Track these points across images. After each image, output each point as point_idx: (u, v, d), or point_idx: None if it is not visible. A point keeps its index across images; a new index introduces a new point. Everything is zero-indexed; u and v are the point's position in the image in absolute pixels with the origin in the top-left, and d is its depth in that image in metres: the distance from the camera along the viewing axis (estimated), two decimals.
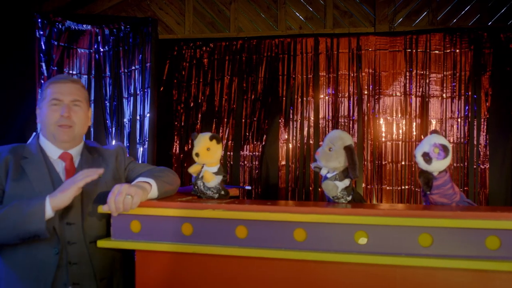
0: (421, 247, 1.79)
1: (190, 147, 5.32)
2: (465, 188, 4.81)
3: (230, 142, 5.26)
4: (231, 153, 5.25)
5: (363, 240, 1.83)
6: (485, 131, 4.83)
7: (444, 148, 2.10)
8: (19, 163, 2.21)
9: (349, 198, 2.15)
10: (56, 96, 2.30)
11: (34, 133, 2.44)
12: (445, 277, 1.79)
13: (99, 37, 4.88)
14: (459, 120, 4.90)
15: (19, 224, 2.01)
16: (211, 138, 2.22)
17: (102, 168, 2.15)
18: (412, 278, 1.82)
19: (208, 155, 2.21)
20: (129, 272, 2.36)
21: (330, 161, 2.13)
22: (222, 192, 2.24)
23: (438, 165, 2.13)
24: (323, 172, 2.21)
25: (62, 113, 2.28)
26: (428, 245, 1.78)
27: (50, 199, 2.03)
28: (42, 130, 2.35)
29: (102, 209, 2.06)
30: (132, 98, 4.88)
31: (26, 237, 2.04)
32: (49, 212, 2.02)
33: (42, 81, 4.51)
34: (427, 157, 2.12)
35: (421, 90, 4.98)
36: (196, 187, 2.25)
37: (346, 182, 2.13)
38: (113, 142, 4.76)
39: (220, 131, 5.26)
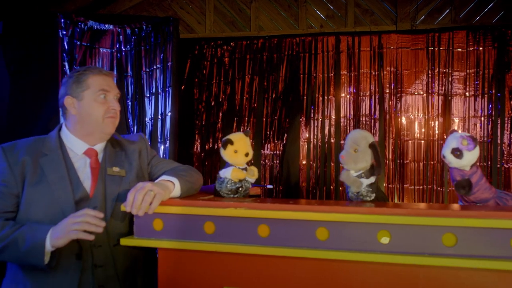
0: (445, 247, 1.77)
1: (211, 146, 5.34)
2: None
3: (251, 141, 5.26)
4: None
5: (385, 240, 1.82)
6: (509, 129, 4.76)
7: (473, 138, 2.09)
8: (38, 162, 2.19)
9: (373, 196, 2.13)
10: (105, 88, 2.28)
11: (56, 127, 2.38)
12: (470, 277, 1.77)
13: (121, 37, 4.92)
14: (482, 118, 4.84)
15: (20, 256, 2.06)
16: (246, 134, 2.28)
17: (102, 215, 2.05)
18: (436, 278, 1.80)
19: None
20: (151, 271, 2.36)
21: (358, 162, 2.10)
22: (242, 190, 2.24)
23: (470, 157, 2.11)
24: (352, 174, 2.17)
25: (113, 106, 2.29)
26: (452, 245, 1.76)
27: (50, 238, 2.03)
28: (76, 123, 2.29)
29: (124, 206, 2.07)
30: (153, 97, 4.91)
31: (26, 266, 2.13)
32: (48, 249, 2.04)
33: None
34: (457, 152, 2.10)
35: (443, 88, 4.94)
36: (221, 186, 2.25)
37: (372, 179, 2.11)
38: None
39: (241, 130, 5.26)
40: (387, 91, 5.02)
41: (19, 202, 2.16)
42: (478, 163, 2.18)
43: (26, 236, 2.05)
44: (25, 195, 2.15)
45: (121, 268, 2.26)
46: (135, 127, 4.88)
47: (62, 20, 4.60)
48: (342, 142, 5.07)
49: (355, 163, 2.11)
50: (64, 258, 2.13)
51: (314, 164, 5.16)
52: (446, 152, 2.16)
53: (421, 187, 4.94)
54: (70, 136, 2.30)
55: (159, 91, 4.88)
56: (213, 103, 5.40)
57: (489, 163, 4.79)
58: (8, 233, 2.06)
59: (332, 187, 5.10)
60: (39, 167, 2.18)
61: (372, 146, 2.10)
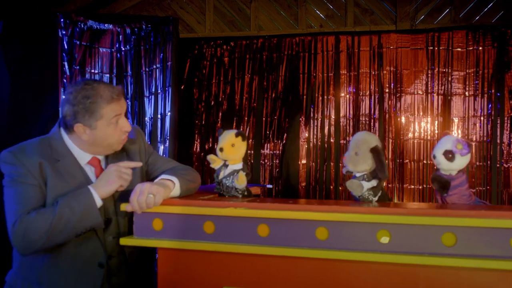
0: (444, 247, 1.77)
1: (210, 145, 5.34)
2: (488, 188, 4.75)
3: (250, 140, 5.26)
4: (252, 152, 5.25)
5: (385, 239, 1.82)
6: (508, 129, 4.76)
7: (468, 144, 2.09)
8: (55, 166, 2.16)
9: (375, 199, 2.12)
10: (118, 114, 2.21)
11: (55, 127, 2.33)
12: (469, 277, 1.78)
13: (120, 36, 4.91)
14: (482, 118, 4.84)
15: (76, 222, 2.04)
16: (236, 135, 2.21)
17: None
18: (436, 278, 1.80)
19: (232, 151, 2.20)
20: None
21: (357, 165, 2.10)
22: (246, 193, 2.24)
23: (461, 162, 2.11)
24: (354, 173, 2.17)
25: (126, 128, 2.24)
26: (452, 245, 1.77)
27: (96, 189, 2.08)
28: (86, 143, 2.22)
29: (125, 208, 2.07)
30: (153, 97, 4.91)
31: (83, 232, 2.09)
32: (99, 202, 2.08)
33: (65, 80, 4.54)
34: (449, 154, 2.10)
35: (443, 88, 4.93)
36: (220, 186, 2.25)
37: (373, 182, 2.10)
38: None
39: (241, 129, 5.25)
40: (387, 90, 5.02)
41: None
42: (464, 170, 2.18)
43: (70, 203, 2.05)
44: (49, 199, 2.12)
45: (132, 275, 2.32)
46: None
47: (62, 20, 4.59)
48: (341, 142, 5.07)
49: (354, 166, 2.11)
50: (87, 266, 2.16)
51: (313, 164, 5.16)
52: (438, 153, 2.15)
53: (421, 187, 4.94)
54: (74, 147, 2.25)
55: (159, 91, 4.88)
56: (212, 102, 5.39)
57: (489, 162, 4.79)
58: (49, 214, 2.03)
59: (331, 187, 5.09)
60: (57, 171, 2.16)
61: (373, 150, 2.08)
